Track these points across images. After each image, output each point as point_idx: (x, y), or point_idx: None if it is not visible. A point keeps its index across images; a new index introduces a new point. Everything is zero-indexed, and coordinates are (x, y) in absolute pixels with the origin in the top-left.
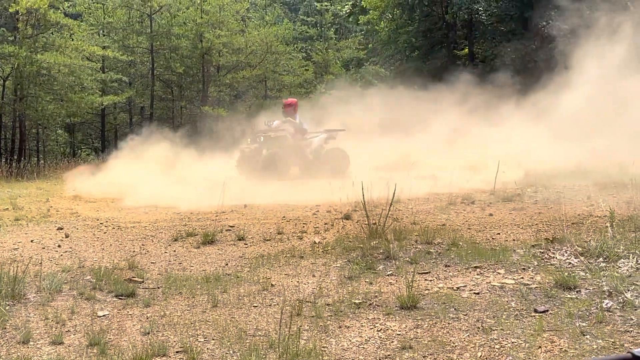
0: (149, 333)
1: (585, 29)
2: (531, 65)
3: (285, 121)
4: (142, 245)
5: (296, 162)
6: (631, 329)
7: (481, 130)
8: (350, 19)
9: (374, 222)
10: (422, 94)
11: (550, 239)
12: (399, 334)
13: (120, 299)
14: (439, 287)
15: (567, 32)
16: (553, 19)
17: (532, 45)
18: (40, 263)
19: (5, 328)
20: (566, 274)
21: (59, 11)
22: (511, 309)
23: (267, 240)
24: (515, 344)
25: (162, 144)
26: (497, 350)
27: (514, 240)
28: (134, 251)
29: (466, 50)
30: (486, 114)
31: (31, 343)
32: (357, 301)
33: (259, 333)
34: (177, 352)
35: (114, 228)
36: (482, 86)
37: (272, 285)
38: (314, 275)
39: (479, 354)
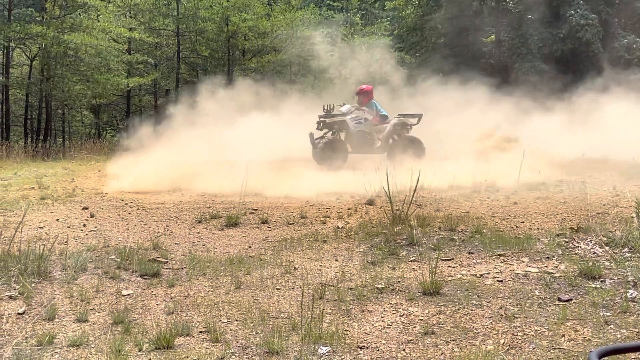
0: (172, 313)
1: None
2: (558, 54)
3: (357, 108)
4: (166, 226)
5: (366, 150)
6: None
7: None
8: (377, 5)
9: (397, 208)
10: None
11: (575, 228)
12: (422, 320)
13: (144, 278)
14: (462, 274)
15: (596, 21)
16: (581, 7)
17: (560, 34)
18: (66, 242)
19: (31, 305)
20: (591, 263)
21: None
22: (535, 297)
23: (291, 224)
24: (539, 331)
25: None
26: (520, 337)
27: (538, 229)
28: (158, 232)
29: (492, 37)
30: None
31: (56, 320)
32: (379, 286)
33: (282, 315)
34: (200, 332)
35: (138, 209)
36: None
37: (295, 268)
38: (336, 260)
39: (502, 340)
